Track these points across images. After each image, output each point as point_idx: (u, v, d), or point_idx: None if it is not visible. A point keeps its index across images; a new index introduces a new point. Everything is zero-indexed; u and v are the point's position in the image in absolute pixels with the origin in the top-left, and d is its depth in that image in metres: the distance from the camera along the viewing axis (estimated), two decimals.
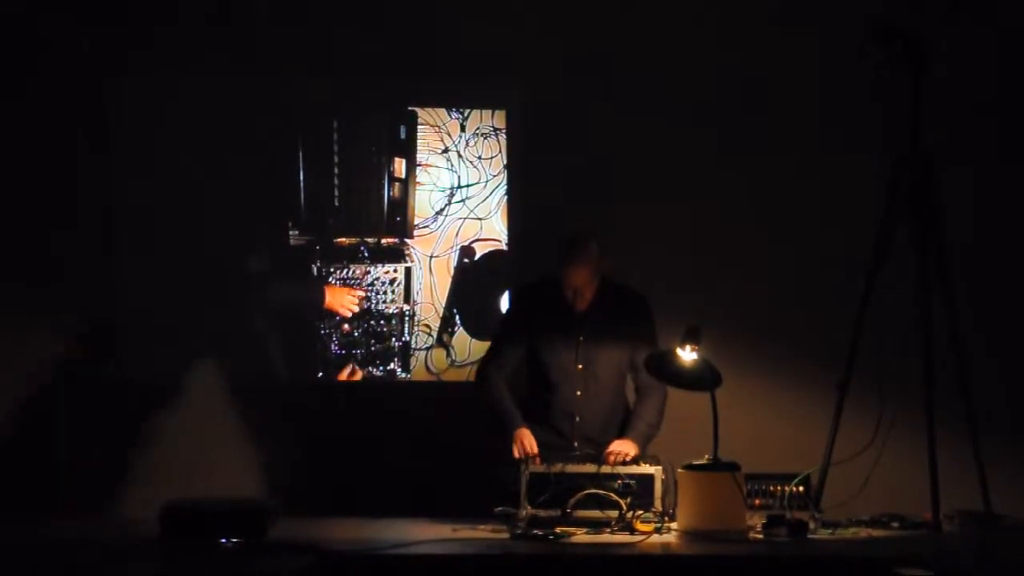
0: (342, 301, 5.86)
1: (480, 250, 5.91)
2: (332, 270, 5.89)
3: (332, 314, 5.87)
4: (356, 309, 5.87)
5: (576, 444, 4.88)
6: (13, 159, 5.73)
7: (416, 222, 5.91)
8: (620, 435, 4.89)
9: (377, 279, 5.90)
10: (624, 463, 4.70)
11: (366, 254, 5.91)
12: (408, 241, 5.91)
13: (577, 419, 4.93)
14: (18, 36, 5.74)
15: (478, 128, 5.92)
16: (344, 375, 5.88)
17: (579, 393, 4.95)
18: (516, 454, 4.74)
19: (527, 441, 4.77)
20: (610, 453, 4.74)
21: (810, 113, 5.76)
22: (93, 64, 5.77)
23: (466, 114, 5.93)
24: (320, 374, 5.88)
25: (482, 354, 5.71)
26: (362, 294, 5.87)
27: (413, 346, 5.89)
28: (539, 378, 5.01)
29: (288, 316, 5.85)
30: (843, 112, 5.71)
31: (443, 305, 5.89)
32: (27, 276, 5.72)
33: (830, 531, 4.52)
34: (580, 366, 4.94)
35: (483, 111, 5.92)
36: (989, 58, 5.72)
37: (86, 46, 5.75)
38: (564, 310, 4.94)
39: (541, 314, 4.99)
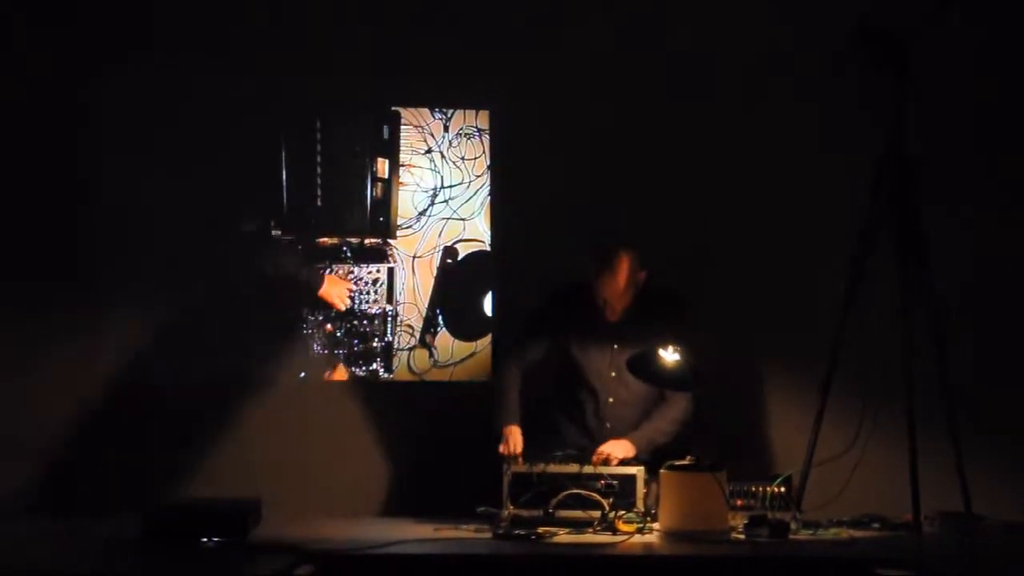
0: (338, 292, 5.85)
1: (463, 251, 5.91)
2: (319, 268, 5.88)
3: (324, 304, 5.85)
4: (348, 303, 5.87)
5: None
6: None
7: (399, 222, 5.90)
8: None
9: (360, 279, 5.90)
10: (606, 463, 4.70)
11: (349, 254, 5.90)
12: (391, 241, 5.91)
13: (608, 425, 4.94)
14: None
15: (461, 129, 5.93)
16: (327, 375, 5.87)
17: (611, 400, 4.96)
18: (501, 451, 4.74)
19: (513, 439, 4.78)
20: (597, 452, 4.74)
21: (793, 113, 5.76)
22: (75, 65, 5.75)
23: (449, 115, 5.93)
24: (303, 374, 5.87)
25: (465, 355, 5.73)
26: (355, 288, 5.87)
27: (396, 346, 5.88)
28: (572, 380, 5.01)
29: (283, 295, 5.81)
30: (826, 113, 5.71)
31: (426, 305, 5.89)
32: (22, 274, 5.70)
33: (811, 532, 4.53)
34: (613, 374, 4.95)
35: (466, 112, 5.92)
36: (972, 59, 5.74)
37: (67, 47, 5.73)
38: (601, 318, 4.92)
39: (577, 319, 4.96)
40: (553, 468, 4.68)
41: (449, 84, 5.88)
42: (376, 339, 5.88)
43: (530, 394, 5.01)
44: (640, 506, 4.60)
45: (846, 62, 5.12)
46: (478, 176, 5.91)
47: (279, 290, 5.82)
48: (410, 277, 5.89)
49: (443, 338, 5.87)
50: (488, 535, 4.45)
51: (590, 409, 4.98)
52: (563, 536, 4.44)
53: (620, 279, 4.83)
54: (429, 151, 5.92)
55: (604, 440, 4.85)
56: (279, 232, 5.86)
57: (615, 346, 4.93)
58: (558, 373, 5.05)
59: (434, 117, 5.92)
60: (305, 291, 5.84)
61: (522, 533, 4.41)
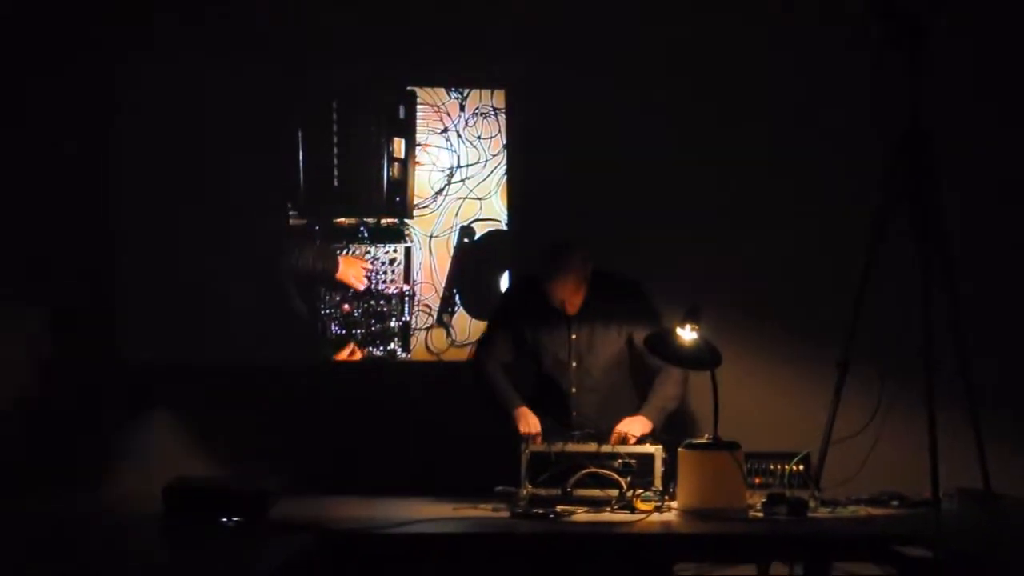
0: (355, 272, 5.86)
1: (480, 230, 5.91)
2: (334, 252, 5.89)
3: (343, 285, 5.86)
4: (365, 282, 5.88)
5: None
6: (17, 140, 5.72)
7: (416, 202, 5.90)
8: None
9: (377, 259, 5.90)
10: (624, 442, 4.70)
11: (366, 234, 5.91)
12: (408, 221, 5.91)
13: (574, 414, 4.95)
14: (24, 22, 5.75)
15: (477, 108, 5.92)
16: (344, 355, 5.88)
17: (574, 390, 4.97)
18: (522, 430, 4.76)
19: (532, 419, 4.79)
20: (616, 432, 4.74)
21: (809, 94, 5.75)
22: (96, 51, 5.76)
23: (465, 94, 5.92)
24: (321, 354, 5.88)
25: (482, 334, 5.74)
26: (371, 267, 5.88)
27: (413, 326, 5.89)
28: (536, 371, 5.02)
29: (306, 283, 5.83)
30: (842, 92, 5.70)
31: (443, 285, 5.89)
32: (28, 258, 5.72)
33: (830, 510, 4.53)
34: (574, 364, 4.96)
35: (482, 91, 5.91)
36: (990, 36, 5.70)
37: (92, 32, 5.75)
38: (555, 310, 4.93)
39: (533, 312, 4.97)
40: (571, 447, 4.68)
41: (465, 64, 5.87)
42: (393, 319, 5.89)
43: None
44: (658, 484, 4.60)
45: (862, 37, 5.08)
46: (494, 155, 5.91)
47: (301, 280, 5.84)
48: (427, 257, 5.89)
49: (460, 317, 5.88)
50: (506, 514, 4.46)
51: (555, 399, 4.97)
52: (581, 515, 4.45)
53: (572, 280, 4.83)
54: (445, 131, 5.91)
55: (574, 426, 4.85)
56: (296, 213, 5.87)
57: (573, 336, 4.94)
58: (530, 365, 5.06)
59: (450, 96, 5.92)
60: (323, 278, 5.85)
61: (540, 512, 4.42)
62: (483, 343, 5.13)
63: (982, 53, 5.70)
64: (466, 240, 5.90)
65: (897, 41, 4.87)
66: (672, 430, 4.85)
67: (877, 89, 5.44)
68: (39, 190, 5.73)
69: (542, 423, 4.82)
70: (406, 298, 5.89)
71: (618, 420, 4.82)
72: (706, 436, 4.58)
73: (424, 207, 5.91)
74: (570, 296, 4.88)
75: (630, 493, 4.54)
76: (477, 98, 5.91)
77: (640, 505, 4.51)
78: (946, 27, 4.94)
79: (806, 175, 5.74)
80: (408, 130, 5.91)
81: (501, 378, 4.97)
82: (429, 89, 5.91)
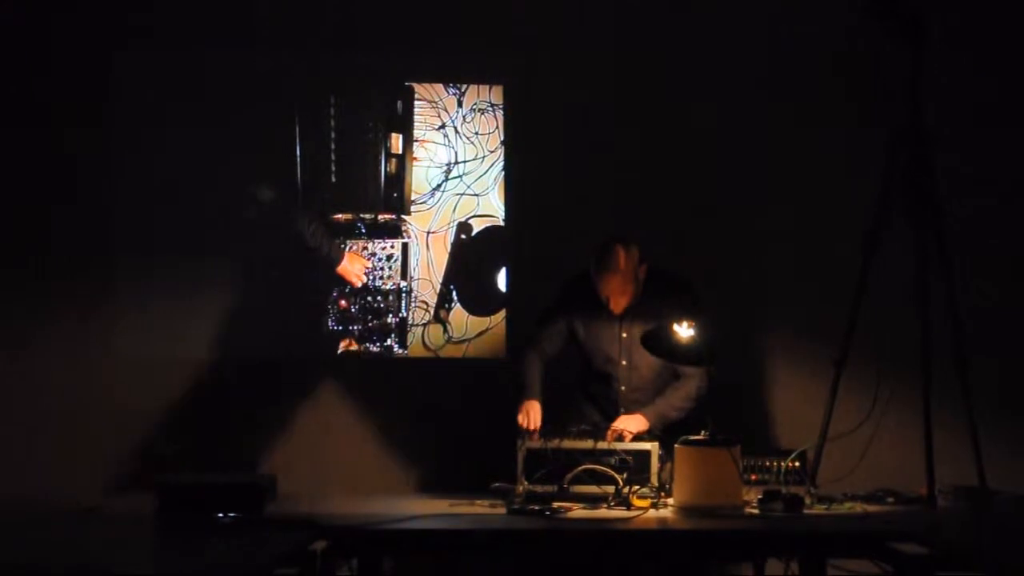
0: (356, 269, 5.86)
1: (477, 226, 5.91)
2: (340, 243, 5.89)
3: (341, 280, 5.86)
4: (364, 280, 5.88)
5: None
6: (14, 133, 5.72)
7: (413, 198, 5.90)
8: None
9: (374, 255, 5.90)
10: (620, 440, 4.70)
11: (363, 230, 5.91)
12: (405, 217, 5.91)
13: (622, 410, 4.94)
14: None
15: (475, 104, 5.91)
16: (341, 351, 5.88)
17: (623, 388, 4.96)
18: (520, 422, 4.75)
19: (533, 413, 4.78)
20: (611, 428, 4.74)
21: (808, 88, 5.75)
22: (93, 41, 5.76)
23: (463, 90, 5.92)
24: (317, 350, 5.88)
25: (480, 330, 5.75)
26: (370, 265, 5.88)
27: (410, 322, 5.89)
28: (587, 367, 5.02)
29: (306, 265, 5.83)
30: (841, 87, 5.70)
31: (440, 281, 5.89)
32: (24, 253, 5.72)
33: (825, 506, 4.52)
34: (624, 362, 4.95)
35: (480, 87, 5.91)
36: (988, 31, 5.71)
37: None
38: (607, 307, 4.92)
39: (585, 308, 4.94)
40: (567, 444, 4.68)
41: (463, 60, 5.86)
42: (390, 315, 5.89)
43: (557, 380, 4.99)
44: (654, 481, 4.60)
45: (861, 35, 5.08)
46: (492, 151, 5.90)
47: (310, 260, 5.83)
48: (424, 253, 5.89)
49: (457, 314, 5.88)
50: (502, 510, 4.46)
51: (604, 395, 4.98)
52: (577, 511, 4.45)
53: (619, 277, 4.80)
54: (443, 126, 5.91)
55: None
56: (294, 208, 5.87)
57: (623, 334, 4.93)
58: (579, 358, 5.05)
59: (448, 92, 5.91)
60: (326, 264, 5.85)
61: (536, 508, 4.42)
62: (531, 340, 5.08)
63: (981, 51, 5.71)
64: (463, 236, 5.90)
65: (897, 39, 4.87)
66: (668, 427, 4.85)
67: (877, 87, 5.44)
68: (36, 182, 5.73)
69: (594, 418, 4.83)
70: (403, 294, 5.89)
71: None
72: (703, 432, 4.57)
73: (422, 203, 5.91)
74: (616, 294, 4.84)
75: (626, 490, 4.55)
76: (475, 94, 5.91)
77: (636, 502, 4.51)
78: (945, 24, 4.95)
79: (805, 173, 5.75)
80: (406, 126, 5.91)
81: (531, 368, 4.92)
82: (427, 85, 5.91)
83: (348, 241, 5.89)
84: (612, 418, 4.89)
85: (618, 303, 4.86)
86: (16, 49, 5.73)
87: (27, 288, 5.71)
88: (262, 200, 5.80)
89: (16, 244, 5.73)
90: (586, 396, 5.03)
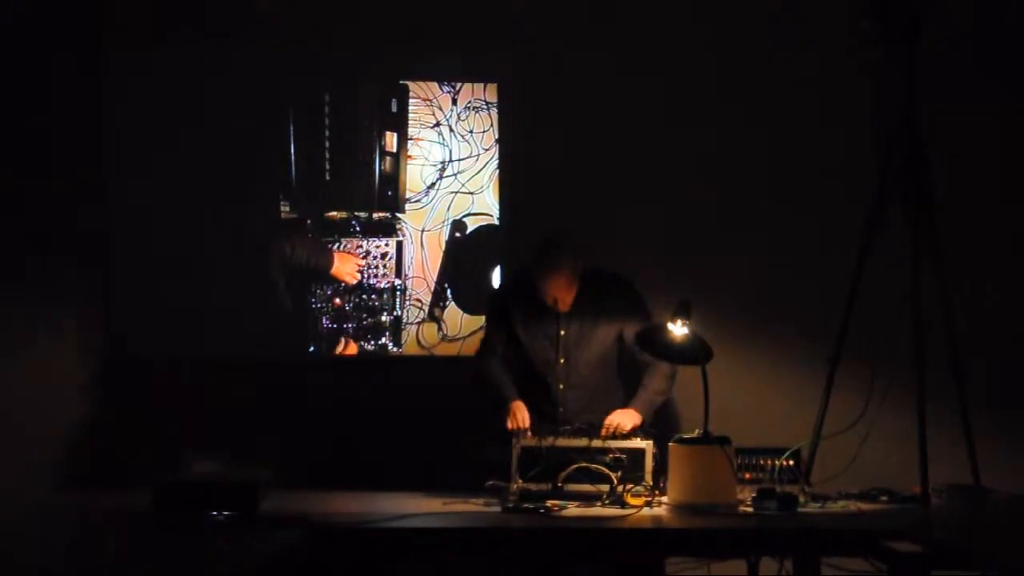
0: (348, 268, 5.86)
1: (472, 224, 5.91)
2: (328, 247, 5.89)
3: (335, 281, 5.86)
4: (358, 277, 5.88)
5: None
6: (11, 134, 5.72)
7: (407, 196, 5.90)
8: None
9: (368, 253, 5.90)
10: (615, 436, 4.70)
11: (357, 228, 5.90)
12: (399, 215, 5.91)
13: (561, 409, 4.94)
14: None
15: (469, 102, 5.91)
16: (338, 350, 5.88)
17: (561, 386, 4.96)
18: (509, 426, 4.75)
19: (520, 414, 4.78)
20: (607, 425, 4.74)
21: (803, 89, 5.76)
22: (85, 42, 5.75)
23: (458, 88, 5.91)
24: (312, 348, 5.88)
25: (474, 328, 5.75)
26: (364, 263, 5.88)
27: (405, 320, 5.89)
28: (524, 368, 5.02)
29: (296, 277, 5.83)
30: (836, 87, 5.71)
31: (434, 279, 5.89)
32: (24, 253, 5.71)
33: (819, 504, 4.53)
34: (562, 360, 4.95)
35: (475, 85, 5.90)
36: (985, 31, 5.72)
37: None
38: (546, 305, 4.91)
39: (524, 307, 4.96)
40: (562, 442, 4.68)
41: (458, 58, 5.86)
42: (385, 313, 5.89)
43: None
44: (648, 479, 4.60)
45: (856, 35, 5.08)
46: (486, 149, 5.90)
47: (293, 273, 5.84)
48: (419, 251, 5.89)
49: (452, 312, 5.88)
50: (497, 509, 4.46)
51: (542, 395, 4.97)
52: (571, 509, 4.45)
53: (565, 276, 4.81)
54: (437, 124, 5.91)
55: (561, 424, 4.84)
56: (288, 206, 5.86)
57: (561, 332, 4.93)
58: (518, 363, 5.05)
59: (442, 90, 5.91)
60: (317, 274, 5.85)
61: (530, 507, 4.42)
62: (482, 344, 5.11)
63: (977, 51, 5.71)
64: (458, 234, 5.90)
65: (892, 38, 4.87)
66: (663, 425, 4.85)
67: (873, 87, 5.44)
68: (35, 182, 5.72)
69: (532, 418, 4.83)
70: (397, 292, 5.89)
71: (604, 417, 4.82)
72: (697, 431, 4.58)
73: (416, 201, 5.90)
74: (562, 293, 4.86)
75: (620, 488, 4.55)
76: (469, 92, 5.91)
77: (631, 500, 4.52)
78: (940, 23, 4.96)
79: (799, 172, 5.76)
80: (400, 124, 5.91)
81: (498, 373, 4.94)
82: (421, 83, 5.90)
83: (342, 240, 5.88)
84: (551, 418, 4.88)
85: (565, 301, 4.87)
86: (12, 50, 5.71)
87: (26, 289, 5.69)
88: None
89: (16, 244, 5.71)
90: (525, 398, 4.99)
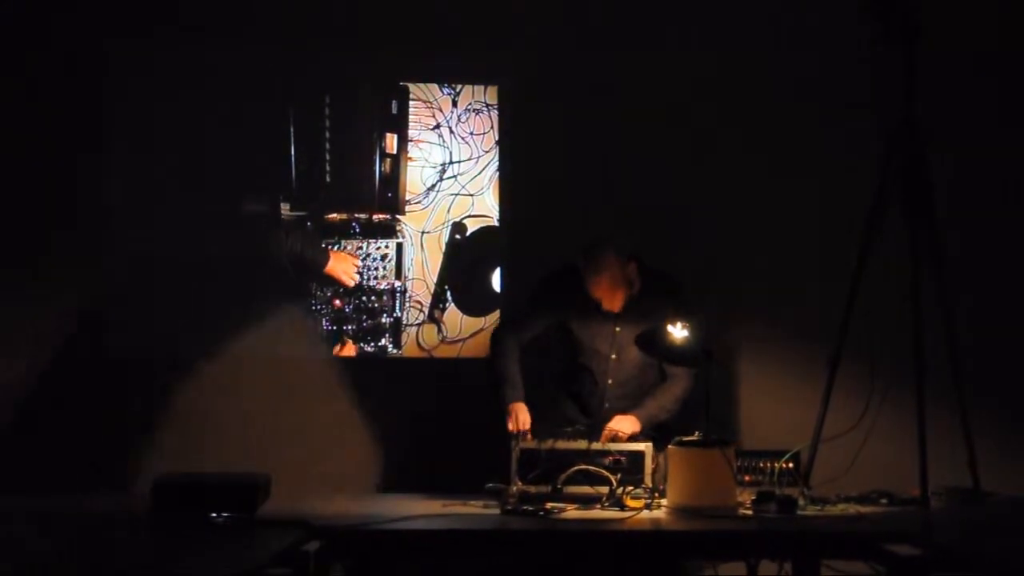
0: (345, 268, 5.86)
1: (472, 226, 5.91)
2: (324, 245, 5.89)
3: (331, 280, 5.86)
4: (356, 279, 5.88)
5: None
6: (11, 131, 5.72)
7: (407, 198, 5.90)
8: None
9: (368, 255, 5.90)
10: (615, 440, 4.70)
11: (357, 230, 5.90)
12: (399, 217, 5.91)
13: (606, 405, 4.94)
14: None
15: (470, 104, 5.91)
16: (335, 351, 5.88)
17: (610, 382, 4.95)
18: (510, 428, 4.75)
19: (521, 416, 4.77)
20: (607, 430, 4.74)
21: (803, 89, 5.75)
22: (90, 37, 5.75)
23: (458, 90, 5.91)
24: (312, 350, 5.87)
25: (474, 330, 5.74)
26: (361, 264, 5.88)
27: (404, 322, 5.89)
28: (573, 359, 5.00)
29: (290, 271, 5.83)
30: (836, 87, 5.70)
31: (434, 281, 5.89)
32: (18, 252, 5.71)
33: (819, 507, 4.53)
34: (613, 356, 4.94)
35: (475, 87, 5.91)
36: (984, 31, 5.72)
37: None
38: (600, 306, 4.90)
39: (579, 300, 4.91)
40: (561, 444, 4.67)
41: (458, 59, 5.86)
42: (385, 315, 5.89)
43: (532, 367, 4.97)
44: (648, 482, 4.60)
45: (856, 35, 5.08)
46: (487, 151, 5.90)
47: (288, 267, 5.83)
48: (419, 253, 5.89)
49: (452, 314, 5.88)
50: (496, 511, 4.46)
51: (589, 389, 4.97)
52: (571, 512, 4.45)
53: (606, 278, 4.79)
54: (438, 126, 5.91)
55: (601, 419, 4.85)
56: (288, 207, 5.86)
57: (616, 328, 4.92)
58: (561, 350, 5.03)
59: (443, 92, 5.91)
60: (311, 268, 5.85)
61: (530, 509, 4.42)
62: (510, 324, 5.07)
63: (976, 51, 5.71)
64: (458, 236, 5.90)
65: (892, 38, 4.87)
66: (662, 428, 4.85)
67: (873, 88, 5.44)
68: (33, 182, 5.72)
69: (569, 414, 4.83)
70: (397, 294, 5.89)
71: None
72: (697, 433, 4.57)
73: (416, 203, 5.90)
74: (606, 295, 4.83)
75: (620, 490, 4.55)
76: (470, 94, 5.91)
77: (630, 502, 4.51)
78: (940, 23, 4.96)
79: (800, 173, 5.75)
80: (400, 126, 5.91)
81: (512, 364, 4.88)
82: (422, 85, 5.91)
83: (343, 241, 5.88)
84: (594, 415, 4.89)
85: (611, 303, 4.85)
86: (13, 47, 5.71)
87: (25, 288, 5.69)
88: (253, 210, 5.80)
89: (15, 245, 5.71)
90: (564, 390, 5.00)
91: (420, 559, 4.29)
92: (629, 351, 4.93)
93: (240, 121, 5.81)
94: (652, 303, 4.88)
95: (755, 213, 5.77)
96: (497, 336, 5.00)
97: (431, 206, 5.90)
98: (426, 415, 5.63)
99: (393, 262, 5.90)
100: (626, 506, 4.50)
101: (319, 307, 5.88)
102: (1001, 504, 4.68)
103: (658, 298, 4.89)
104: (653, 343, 4.80)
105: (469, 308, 5.86)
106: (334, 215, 5.90)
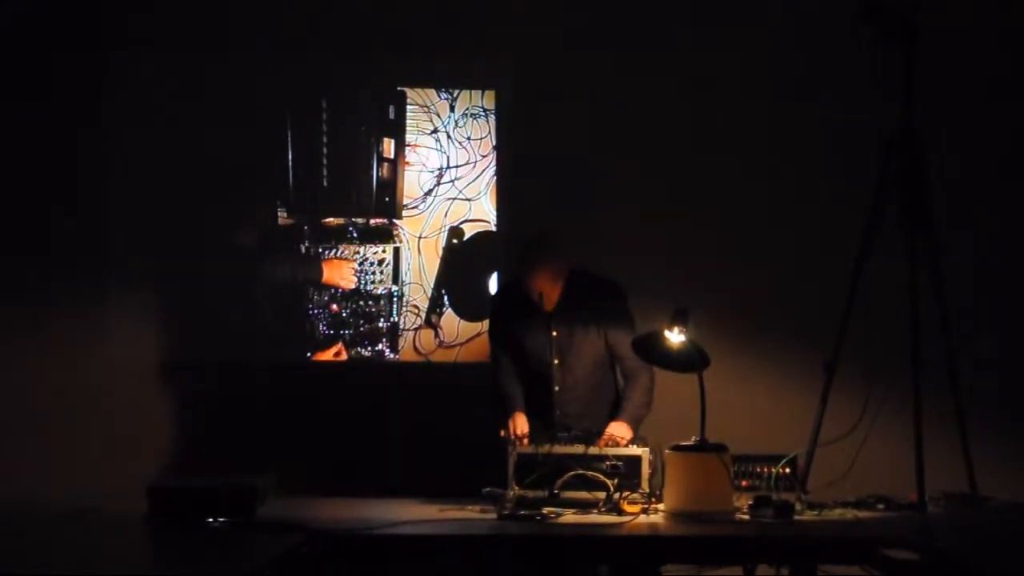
0: (341, 274, 5.86)
1: (469, 231, 5.91)
2: (321, 251, 5.89)
3: (331, 288, 5.86)
4: (355, 280, 5.88)
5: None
6: (9, 133, 5.72)
7: (405, 202, 5.90)
8: (610, 419, 4.89)
9: (365, 259, 5.90)
10: (614, 446, 4.69)
11: (354, 234, 5.90)
12: (397, 222, 5.91)
13: (557, 412, 4.93)
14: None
15: (467, 109, 5.92)
16: (330, 355, 5.88)
17: (557, 388, 4.95)
18: (508, 434, 4.75)
19: (518, 423, 4.78)
20: (606, 437, 4.74)
21: (800, 93, 5.76)
22: (91, 42, 5.76)
23: (455, 95, 5.92)
24: (308, 354, 5.88)
25: (471, 335, 5.75)
26: (357, 267, 5.88)
27: (401, 327, 5.89)
28: (524, 371, 5.02)
29: (284, 294, 5.83)
30: (833, 92, 5.71)
31: (431, 286, 5.89)
32: (21, 254, 5.71)
33: (816, 512, 4.52)
34: (556, 361, 4.94)
35: (472, 92, 5.91)
36: (982, 34, 5.72)
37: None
38: (536, 308, 4.92)
39: (516, 314, 4.95)
40: (558, 449, 4.67)
41: (456, 65, 5.87)
42: (382, 319, 5.89)
43: None
44: (645, 487, 4.60)
45: (854, 38, 5.08)
46: (484, 156, 5.91)
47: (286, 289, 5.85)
48: (416, 257, 5.89)
49: (449, 318, 5.88)
50: (493, 516, 4.45)
51: (539, 398, 4.96)
52: (568, 516, 4.44)
53: (547, 271, 4.80)
54: (435, 131, 5.91)
55: (557, 426, 4.84)
56: (285, 213, 5.87)
57: (553, 333, 4.92)
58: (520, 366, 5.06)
59: (440, 97, 5.92)
60: (307, 285, 5.85)
61: (527, 514, 4.41)
62: (492, 339, 5.11)
63: (974, 54, 5.72)
64: (455, 241, 5.90)
65: (889, 42, 4.87)
66: (660, 433, 4.85)
67: (871, 91, 5.44)
68: (33, 183, 5.73)
69: (531, 427, 4.83)
70: (394, 299, 5.89)
71: (601, 419, 4.84)
72: (693, 438, 4.57)
73: (413, 208, 5.91)
74: (547, 288, 4.85)
75: (617, 495, 4.54)
76: (467, 99, 5.92)
77: (627, 507, 4.51)
78: (937, 26, 4.96)
79: (796, 178, 5.76)
80: (398, 130, 5.91)
81: (506, 382, 4.96)
82: (419, 90, 5.91)
83: (339, 246, 5.88)
84: (546, 420, 4.88)
85: (550, 298, 4.85)
86: (14, 51, 5.72)
87: (24, 289, 5.69)
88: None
89: (14, 245, 5.71)
90: (527, 404, 5.00)
91: (417, 563, 4.28)
92: (571, 356, 4.94)
93: (237, 125, 5.81)
94: (584, 304, 4.89)
95: (753, 215, 5.76)
96: (491, 354, 5.07)
97: (428, 211, 5.90)
98: (423, 419, 5.63)
99: (390, 266, 5.90)
100: (623, 511, 4.49)
101: (316, 311, 5.88)
102: (998, 509, 4.67)
103: (591, 299, 4.91)
104: (594, 345, 4.82)
105: (466, 312, 5.86)
106: (331, 220, 5.90)
